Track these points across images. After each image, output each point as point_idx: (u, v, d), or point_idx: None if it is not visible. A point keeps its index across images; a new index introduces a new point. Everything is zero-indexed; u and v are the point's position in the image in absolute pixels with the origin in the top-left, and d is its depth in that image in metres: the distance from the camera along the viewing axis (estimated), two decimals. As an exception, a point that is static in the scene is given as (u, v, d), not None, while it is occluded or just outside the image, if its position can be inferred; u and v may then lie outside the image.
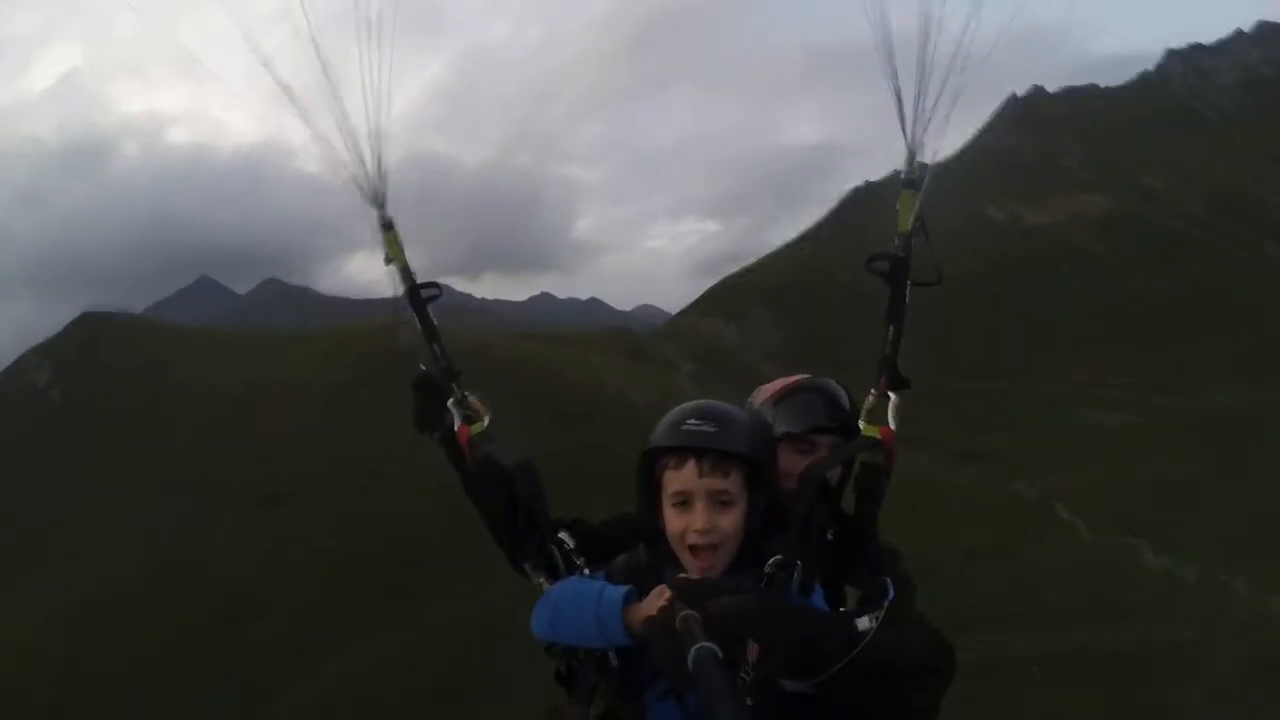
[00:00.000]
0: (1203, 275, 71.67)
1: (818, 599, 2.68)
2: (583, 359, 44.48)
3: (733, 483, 2.58)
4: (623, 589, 2.60)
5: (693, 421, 2.62)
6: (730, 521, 2.57)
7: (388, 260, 3.16)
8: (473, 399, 3.15)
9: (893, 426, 2.85)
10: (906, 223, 2.86)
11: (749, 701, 2.22)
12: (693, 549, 2.57)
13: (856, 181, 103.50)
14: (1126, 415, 51.93)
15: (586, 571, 2.83)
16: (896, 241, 2.88)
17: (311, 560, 28.99)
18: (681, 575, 2.47)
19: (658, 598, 2.44)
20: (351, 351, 48.74)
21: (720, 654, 1.96)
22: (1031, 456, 43.72)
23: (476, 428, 3.10)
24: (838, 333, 58.34)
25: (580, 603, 2.65)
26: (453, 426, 3.09)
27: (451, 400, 3.14)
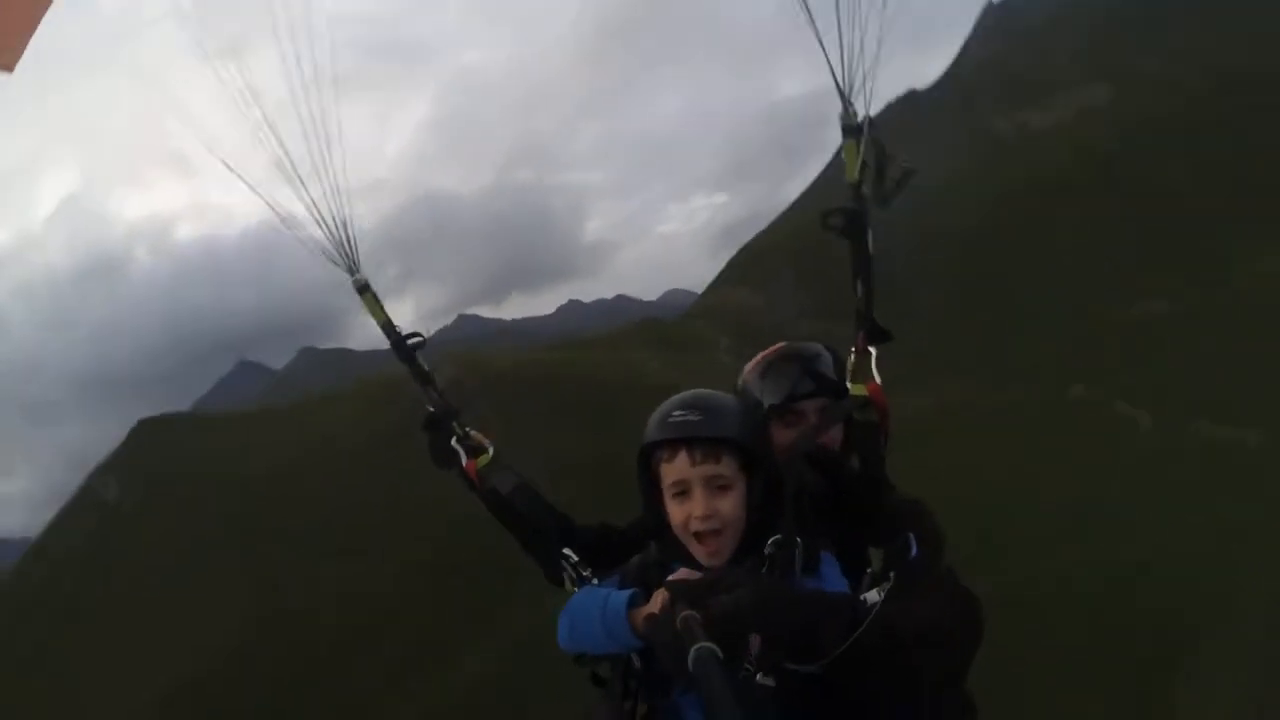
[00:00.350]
0: (1220, 157, 69.31)
1: (829, 570, 2.75)
2: (618, 357, 44.64)
3: (726, 467, 2.69)
4: (626, 593, 2.73)
5: (678, 413, 2.74)
6: (730, 505, 2.68)
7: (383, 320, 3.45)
8: (474, 433, 3.39)
9: (878, 380, 2.91)
10: (853, 171, 2.79)
11: (771, 683, 2.38)
12: (697, 536, 2.69)
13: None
14: (1166, 304, 50.82)
15: (595, 581, 2.97)
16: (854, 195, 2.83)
17: (395, 595, 29.58)
18: (678, 576, 2.58)
19: (658, 599, 2.58)
20: (390, 400, 49.74)
21: (720, 653, 2.08)
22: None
23: (482, 460, 3.35)
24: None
25: (589, 612, 2.77)
26: (461, 462, 3.34)
27: (454, 438, 3.37)
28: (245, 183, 3.28)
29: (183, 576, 40.68)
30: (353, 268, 3.44)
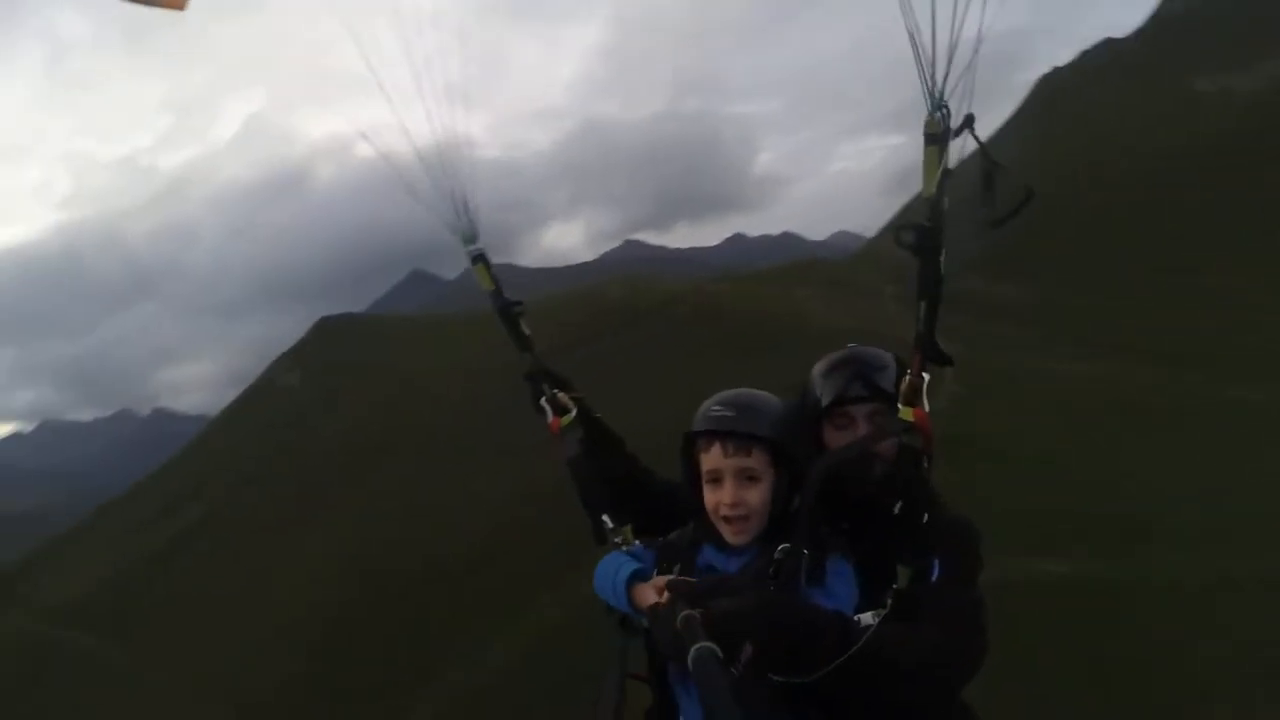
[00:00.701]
0: None
1: (837, 582, 2.91)
2: (783, 294, 44.03)
3: (756, 460, 2.98)
4: (633, 567, 3.14)
5: (717, 409, 3.05)
6: (757, 495, 2.97)
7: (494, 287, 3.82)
8: (560, 395, 3.71)
9: (926, 408, 2.90)
10: (930, 185, 2.65)
11: (775, 679, 2.49)
12: (725, 519, 2.99)
13: (1045, 67, 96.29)
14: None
15: (625, 546, 3.34)
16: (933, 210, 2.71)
17: (527, 512, 30.34)
18: (681, 578, 2.85)
19: (657, 586, 2.99)
20: (557, 315, 50.24)
21: (720, 654, 2.21)
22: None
23: (565, 420, 3.69)
24: (1036, 236, 55.09)
25: (606, 574, 3.19)
26: (547, 419, 3.69)
27: (543, 398, 3.71)
28: (374, 147, 3.56)
29: (347, 461, 42.62)
30: (471, 238, 3.78)
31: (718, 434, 3.03)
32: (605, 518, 3.44)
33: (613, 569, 3.21)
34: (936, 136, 2.63)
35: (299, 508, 40.67)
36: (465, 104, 3.46)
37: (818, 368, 3.48)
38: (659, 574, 3.13)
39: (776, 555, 2.90)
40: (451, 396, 42.63)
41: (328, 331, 63.48)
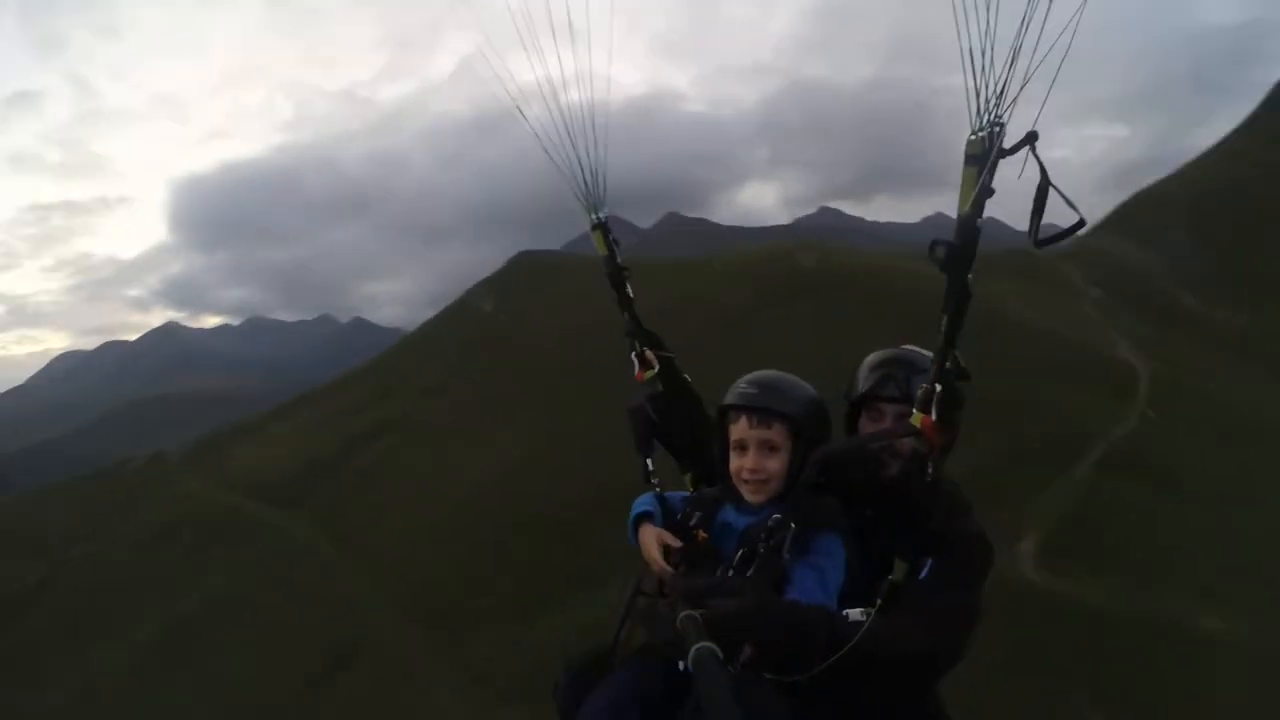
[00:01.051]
0: None
1: (824, 558, 3.16)
2: (979, 282, 42.93)
3: (777, 434, 3.31)
4: (643, 509, 3.58)
5: (744, 386, 3.41)
6: (775, 464, 3.30)
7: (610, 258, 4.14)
8: (648, 352, 4.08)
9: (932, 416, 2.98)
10: (965, 202, 2.74)
11: (769, 677, 2.63)
12: (745, 482, 3.33)
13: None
14: None
15: (657, 489, 3.69)
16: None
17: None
18: (681, 579, 3.02)
19: (660, 537, 3.42)
20: (749, 274, 49.94)
21: (720, 654, 2.25)
22: None
23: (648, 374, 4.07)
24: (1270, 258, 50.91)
25: (632, 510, 3.61)
26: (635, 371, 4.07)
27: (633, 353, 4.08)
28: (521, 116, 3.96)
29: (529, 386, 43.71)
30: (595, 207, 4.16)
31: (744, 408, 3.39)
32: (648, 461, 3.84)
33: (634, 507, 3.64)
34: (977, 157, 2.71)
35: (480, 421, 41.91)
36: (605, 82, 3.84)
37: (869, 359, 3.73)
38: (684, 519, 3.49)
39: (769, 524, 3.20)
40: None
41: (525, 264, 64.68)
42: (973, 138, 2.73)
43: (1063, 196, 2.68)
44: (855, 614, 2.82)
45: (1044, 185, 2.68)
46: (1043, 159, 2.66)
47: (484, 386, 45.10)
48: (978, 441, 22.40)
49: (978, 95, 2.69)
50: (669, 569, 3.40)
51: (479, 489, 35.76)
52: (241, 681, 21.78)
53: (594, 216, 4.16)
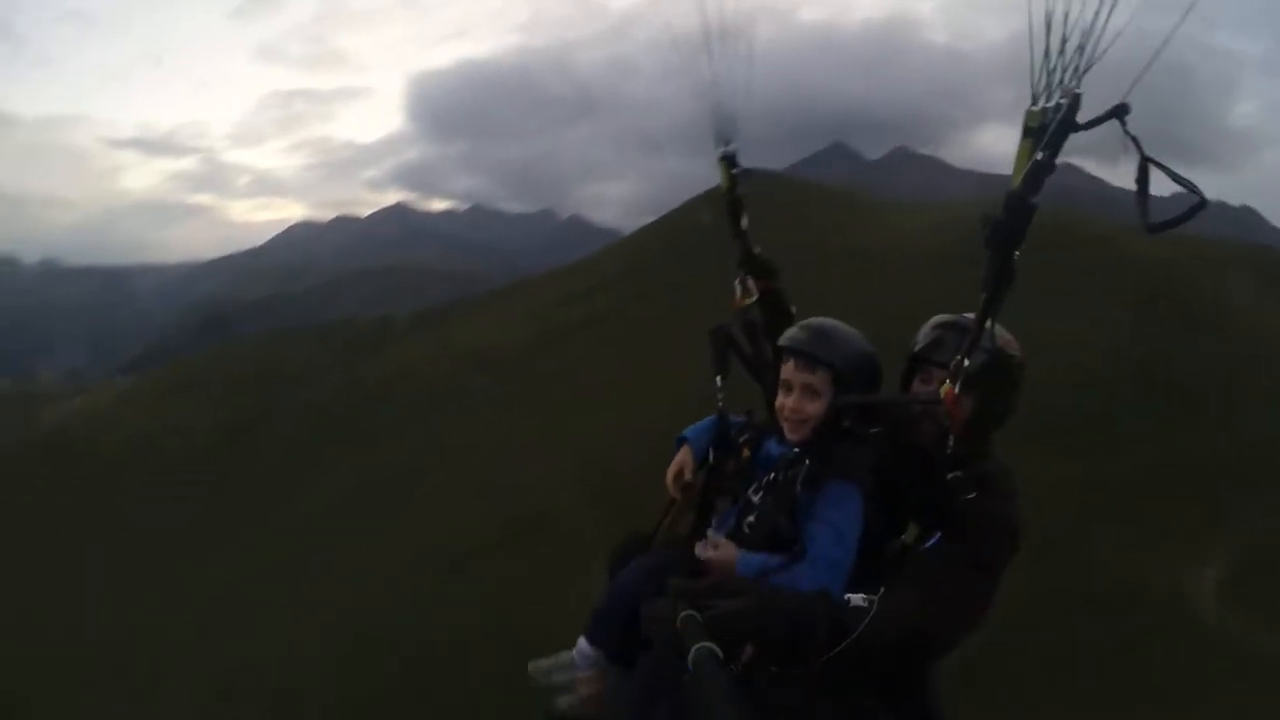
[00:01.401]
0: None
1: (835, 502, 3.35)
2: (1212, 270, 39.04)
3: (819, 380, 3.51)
4: (687, 432, 4.06)
5: (797, 330, 3.64)
6: (815, 407, 3.52)
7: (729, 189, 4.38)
8: (749, 282, 4.27)
9: (955, 389, 2.99)
10: (1017, 178, 2.63)
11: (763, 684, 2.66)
12: (786, 420, 3.58)
13: None
14: None
15: (721, 407, 4.05)
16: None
17: None
18: (682, 578, 2.87)
19: (685, 462, 3.94)
20: (966, 223, 48.14)
21: (720, 654, 2.22)
22: None
23: (746, 300, 4.29)
24: None
25: (683, 431, 4.07)
26: (735, 296, 4.29)
27: (737, 280, 4.30)
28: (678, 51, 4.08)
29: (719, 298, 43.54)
30: (727, 140, 4.36)
31: (793, 351, 3.60)
32: (719, 380, 4.09)
33: (687, 430, 4.09)
34: (1033, 130, 2.59)
35: (683, 332, 41.47)
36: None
37: (933, 319, 3.71)
38: (736, 436, 3.90)
39: (789, 456, 3.53)
40: (854, 267, 42.37)
41: (745, 182, 63.26)
42: (1033, 109, 2.59)
43: (1172, 175, 2.53)
44: (857, 599, 2.82)
45: (1144, 164, 2.52)
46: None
47: (693, 299, 44.59)
48: (1173, 439, 20.99)
49: (1046, 55, 2.49)
50: (674, 493, 3.94)
51: (672, 395, 35.45)
52: (424, 543, 23.15)
53: (723, 148, 4.33)
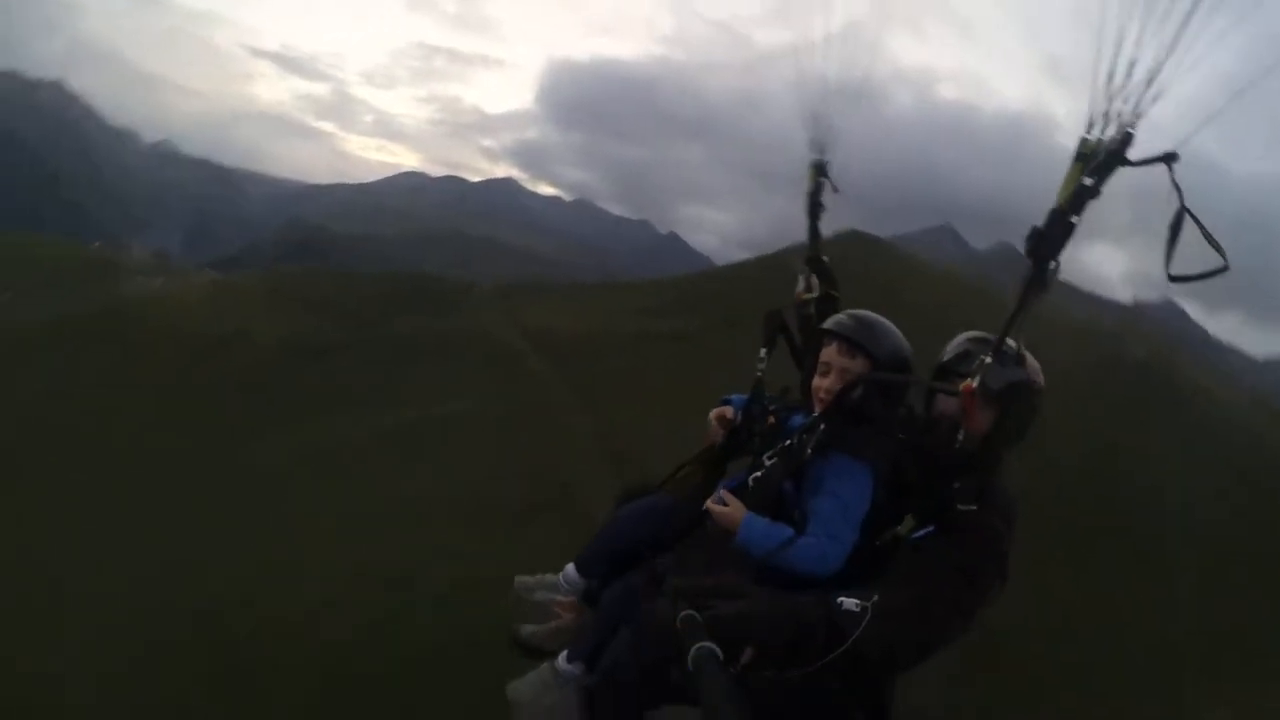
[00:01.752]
0: None
1: (840, 475, 3.50)
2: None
3: (858, 364, 3.72)
4: (729, 397, 4.29)
5: (842, 318, 3.84)
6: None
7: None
8: (811, 279, 4.50)
9: (974, 384, 3.15)
10: (1062, 196, 2.76)
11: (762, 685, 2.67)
12: (820, 401, 3.77)
13: None
14: None
15: (760, 378, 4.22)
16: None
17: None
18: (682, 578, 2.96)
19: (723, 414, 4.18)
20: (1066, 337, 47.34)
21: (720, 654, 2.24)
22: None
23: (805, 296, 4.52)
24: None
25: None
26: (799, 289, 4.52)
27: (802, 275, 4.53)
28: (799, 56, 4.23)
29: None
30: (821, 151, 4.56)
31: (837, 335, 3.81)
32: (763, 352, 4.26)
33: (728, 396, 4.34)
34: (1085, 156, 2.68)
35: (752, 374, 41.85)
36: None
37: (962, 335, 3.78)
38: (768, 404, 4.07)
39: (807, 424, 3.69)
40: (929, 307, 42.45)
41: (849, 243, 62.75)
42: (1087, 137, 2.66)
43: (1205, 233, 2.57)
44: (850, 604, 2.83)
45: (1180, 214, 2.59)
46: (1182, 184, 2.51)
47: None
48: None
49: (1108, 79, 2.50)
50: (716, 431, 4.15)
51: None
52: (442, 495, 23.31)
53: (815, 158, 4.58)
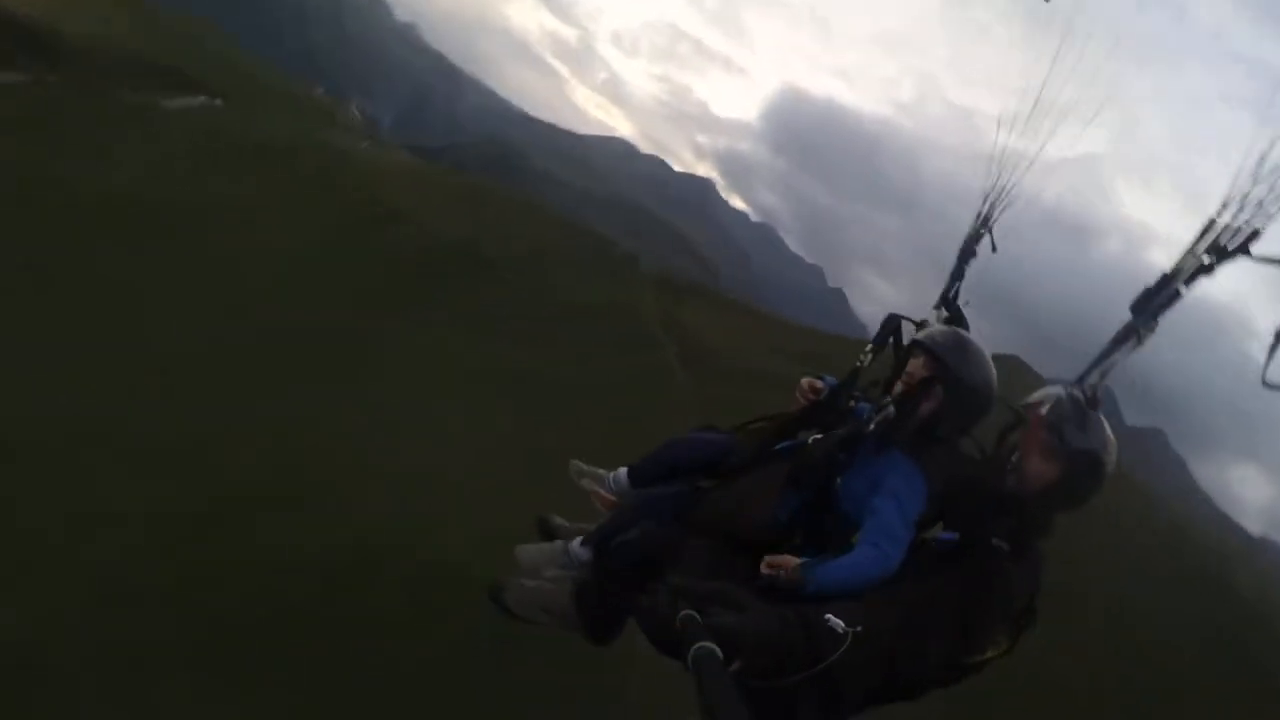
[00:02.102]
0: None
1: (893, 470, 3.71)
2: None
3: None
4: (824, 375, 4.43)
5: (936, 332, 4.02)
6: (925, 404, 3.88)
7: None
8: (943, 311, 4.52)
9: (1042, 413, 3.34)
10: (1176, 265, 3.07)
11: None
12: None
13: None
14: None
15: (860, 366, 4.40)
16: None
17: None
18: (685, 578, 2.90)
19: (811, 387, 4.33)
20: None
21: (720, 654, 2.23)
22: None
23: (936, 315, 4.54)
24: None
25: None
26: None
27: (933, 310, 4.52)
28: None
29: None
30: (981, 232, 4.64)
31: (928, 349, 3.95)
32: (869, 347, 4.37)
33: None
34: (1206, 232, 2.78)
35: None
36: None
37: (1049, 386, 3.75)
38: (852, 391, 4.23)
39: (877, 415, 3.91)
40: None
41: (1005, 362, 59.58)
42: (1215, 218, 2.81)
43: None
44: (837, 624, 2.82)
45: None
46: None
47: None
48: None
49: (1259, 161, 2.57)
50: (805, 394, 4.31)
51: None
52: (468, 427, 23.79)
53: (980, 228, 4.65)
